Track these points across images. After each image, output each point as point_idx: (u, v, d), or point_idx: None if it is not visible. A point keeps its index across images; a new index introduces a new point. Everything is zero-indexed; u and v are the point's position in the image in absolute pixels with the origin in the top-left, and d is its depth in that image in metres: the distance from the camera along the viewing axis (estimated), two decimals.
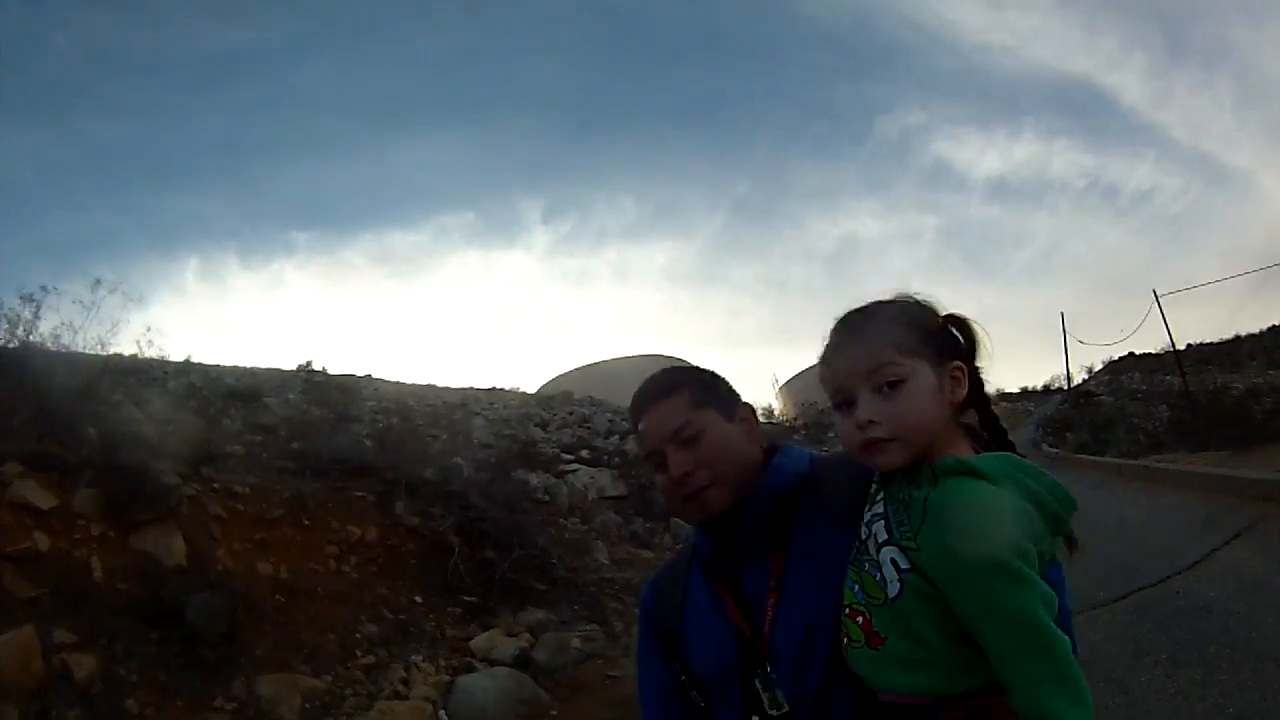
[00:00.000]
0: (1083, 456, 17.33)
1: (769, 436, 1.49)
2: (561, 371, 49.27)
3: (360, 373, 15.89)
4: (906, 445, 1.12)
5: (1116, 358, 52.58)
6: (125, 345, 9.31)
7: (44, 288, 7.60)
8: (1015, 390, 61.88)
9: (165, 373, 12.40)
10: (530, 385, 37.21)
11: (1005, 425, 1.24)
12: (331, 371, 14.14)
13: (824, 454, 1.45)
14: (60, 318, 7.67)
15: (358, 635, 6.96)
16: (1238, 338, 55.19)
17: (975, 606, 1.02)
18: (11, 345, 7.08)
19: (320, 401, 11.78)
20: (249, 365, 12.20)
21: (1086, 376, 50.37)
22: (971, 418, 1.25)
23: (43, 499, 6.48)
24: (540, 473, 11.43)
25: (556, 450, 13.16)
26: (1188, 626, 4.70)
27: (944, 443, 1.16)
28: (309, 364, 12.86)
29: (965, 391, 1.18)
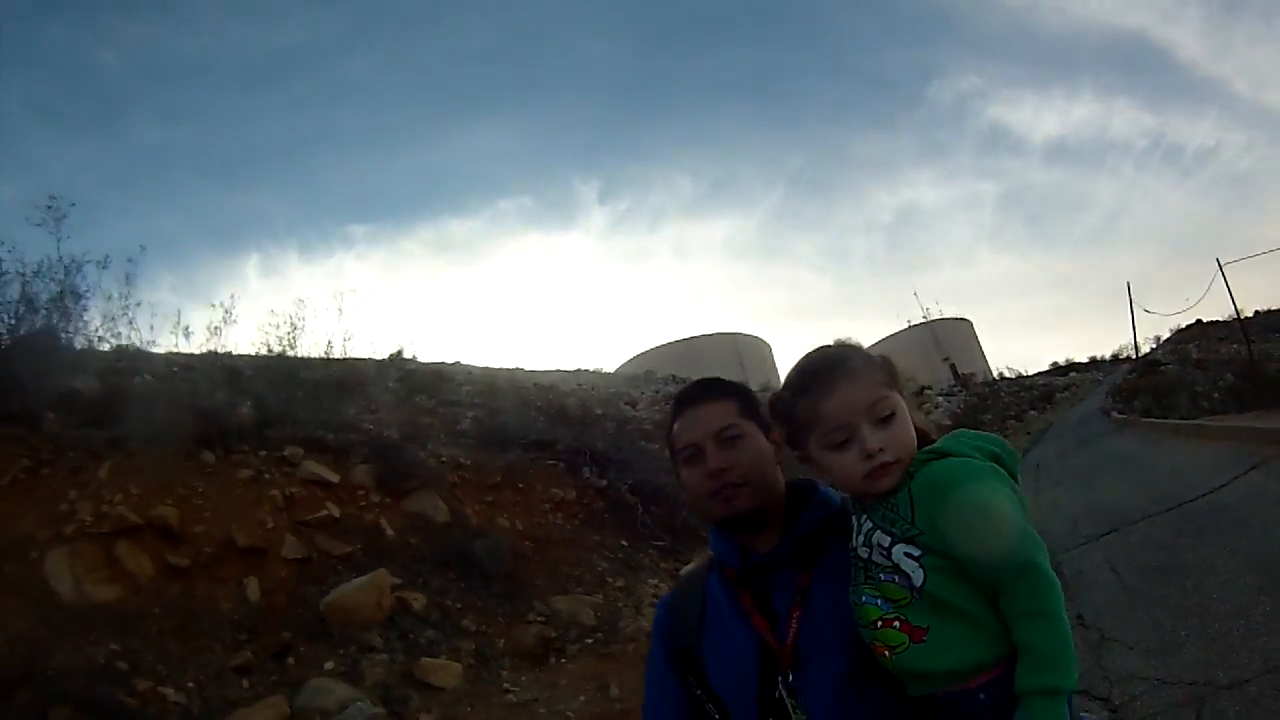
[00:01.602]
0: (1146, 420, 19.43)
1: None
2: (637, 351, 49.03)
3: (447, 359, 16.32)
4: (902, 466, 1.24)
5: (1184, 326, 51.82)
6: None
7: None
8: (1084, 360, 59.39)
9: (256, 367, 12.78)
10: (608, 364, 37.03)
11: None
12: (422, 359, 14.65)
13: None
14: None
15: (599, 569, 7.97)
16: None
17: (970, 546, 1.14)
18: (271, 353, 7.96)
19: (418, 388, 12.46)
20: (337, 356, 12.49)
21: (1154, 345, 49.25)
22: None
23: (330, 474, 7.39)
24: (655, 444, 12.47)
25: (651, 427, 14.06)
26: (1210, 518, 6.72)
27: None
28: (400, 352, 13.50)
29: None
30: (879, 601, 1.22)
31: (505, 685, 5.79)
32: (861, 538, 1.27)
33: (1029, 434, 26.52)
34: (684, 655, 1.47)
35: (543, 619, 6.82)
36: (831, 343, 1.36)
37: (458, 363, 13.71)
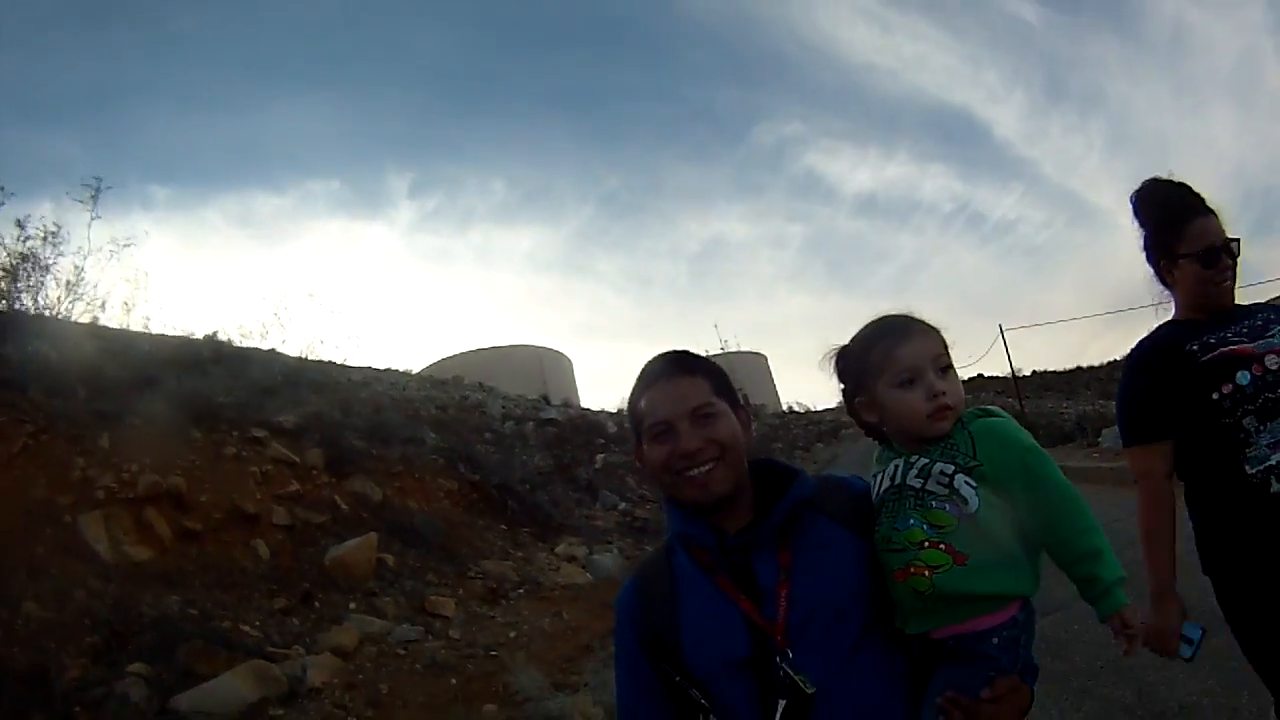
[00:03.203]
0: None
1: None
2: (435, 351, 46.66)
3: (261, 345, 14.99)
4: (956, 414, 1.44)
5: (966, 379, 56.73)
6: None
7: None
8: None
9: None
10: (408, 364, 35.39)
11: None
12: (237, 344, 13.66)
13: (821, 474, 1.62)
14: None
15: (497, 545, 9.93)
16: (1078, 368, 62.09)
17: (1029, 479, 1.36)
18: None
19: (240, 375, 12.33)
20: (139, 330, 11.77)
21: None
22: None
23: (293, 455, 8.57)
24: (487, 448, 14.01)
25: (473, 430, 15.30)
26: None
27: None
28: (215, 334, 12.71)
29: None
30: (925, 527, 1.37)
31: (488, 613, 7.77)
32: (915, 471, 1.42)
33: (815, 464, 28.65)
34: (656, 640, 1.45)
35: (481, 575, 8.76)
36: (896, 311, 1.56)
37: (273, 350, 13.25)
